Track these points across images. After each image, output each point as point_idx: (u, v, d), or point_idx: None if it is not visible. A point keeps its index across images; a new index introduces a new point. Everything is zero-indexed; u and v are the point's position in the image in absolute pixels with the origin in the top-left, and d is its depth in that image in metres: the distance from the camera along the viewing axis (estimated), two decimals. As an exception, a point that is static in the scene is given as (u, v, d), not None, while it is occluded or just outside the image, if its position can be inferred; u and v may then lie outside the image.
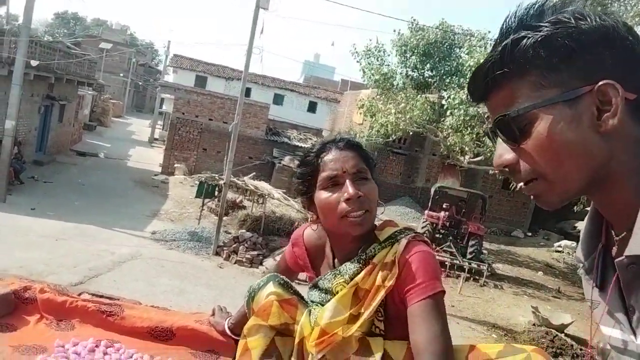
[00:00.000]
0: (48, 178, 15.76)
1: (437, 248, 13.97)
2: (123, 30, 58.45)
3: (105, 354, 1.61)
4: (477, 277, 13.22)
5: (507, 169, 0.76)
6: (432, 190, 15.40)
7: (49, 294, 1.79)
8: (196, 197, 14.55)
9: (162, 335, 1.72)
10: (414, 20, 16.68)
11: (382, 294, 1.15)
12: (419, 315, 1.10)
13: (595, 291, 0.81)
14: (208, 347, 1.72)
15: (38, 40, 15.73)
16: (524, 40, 0.70)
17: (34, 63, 12.60)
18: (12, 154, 12.78)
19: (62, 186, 15.20)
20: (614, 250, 0.76)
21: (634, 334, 0.73)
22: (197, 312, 1.88)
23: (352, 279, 1.20)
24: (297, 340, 1.24)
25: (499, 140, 0.76)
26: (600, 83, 0.68)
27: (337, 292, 1.21)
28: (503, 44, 0.71)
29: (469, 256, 13.71)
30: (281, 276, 1.36)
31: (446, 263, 13.30)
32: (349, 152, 1.23)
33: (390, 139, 16.03)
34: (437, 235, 14.34)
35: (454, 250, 13.66)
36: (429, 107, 15.08)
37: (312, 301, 1.27)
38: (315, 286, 1.29)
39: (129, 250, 10.49)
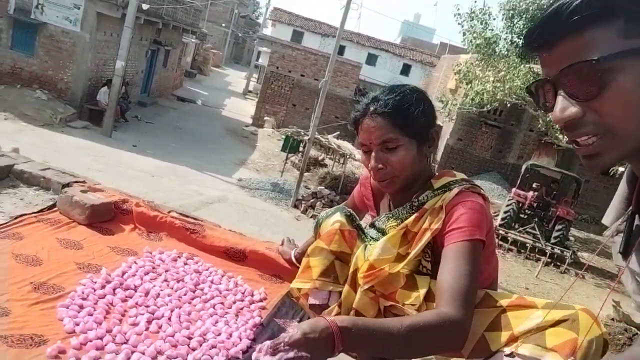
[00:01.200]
0: (150, 119, 16.95)
1: (520, 229, 13.42)
2: (228, -19, 59.72)
3: (185, 264, 1.81)
4: (558, 264, 12.58)
5: (568, 124, 0.70)
6: (523, 167, 14.63)
7: (143, 208, 2.02)
8: (281, 150, 14.99)
9: (236, 255, 1.89)
10: (527, -19, 15.46)
11: (427, 235, 1.20)
12: (450, 255, 1.13)
13: (620, 256, 0.79)
14: (274, 271, 1.87)
15: (150, -13, 16.52)
16: None
17: (145, 6, 13.34)
18: (120, 93, 13.87)
19: (161, 128, 16.31)
20: None
21: None
22: (269, 240, 2.02)
23: (403, 222, 1.27)
24: (351, 269, 1.33)
25: (562, 92, 0.70)
26: None
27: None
28: None
29: (553, 241, 13.02)
30: (348, 209, 1.45)
31: (527, 245, 12.78)
32: (378, 120, 1.25)
33: (485, 109, 15.30)
34: (522, 216, 13.72)
35: (537, 232, 13.04)
36: (532, 78, 14.12)
37: (370, 237, 1.35)
38: (372, 225, 1.38)
39: (216, 193, 11.14)
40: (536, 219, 13.43)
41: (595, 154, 0.70)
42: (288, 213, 11.67)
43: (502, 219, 13.59)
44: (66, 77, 13.56)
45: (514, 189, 14.21)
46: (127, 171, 10.83)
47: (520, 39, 15.69)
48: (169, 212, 2.05)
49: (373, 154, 1.27)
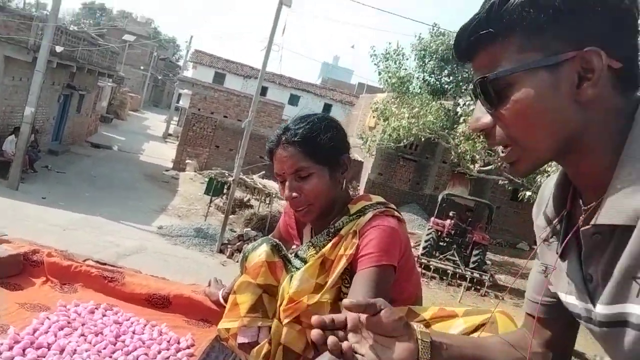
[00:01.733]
0: (61, 168, 16.00)
1: (441, 256, 13.99)
2: (147, 23, 59.10)
3: (104, 315, 1.71)
4: (478, 287, 13.19)
5: (483, 132, 0.75)
6: (440, 197, 15.40)
7: (56, 258, 1.90)
8: (205, 193, 14.69)
9: (159, 302, 1.82)
10: (435, 24, 16.69)
11: (343, 262, 1.23)
12: (357, 282, 1.16)
13: (556, 257, 0.81)
14: (202, 315, 1.81)
15: (64, 28, 15.91)
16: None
17: (58, 49, 12.75)
18: (28, 141, 13.01)
19: (74, 177, 15.44)
20: (581, 219, 0.75)
21: (592, 302, 0.73)
22: (194, 283, 1.97)
23: (320, 250, 1.29)
24: (278, 302, 1.32)
25: (479, 103, 0.74)
26: (585, 50, 0.65)
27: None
28: (490, 2, 0.69)
29: (471, 265, 13.70)
30: (274, 239, 1.44)
31: (448, 272, 13.31)
32: (290, 150, 1.28)
33: (402, 144, 16.05)
34: (442, 243, 14.34)
35: (457, 258, 13.66)
36: (443, 113, 15.09)
37: (295, 267, 1.35)
38: (296, 255, 1.38)
39: (134, 244, 10.63)
40: (455, 246, 14.10)
41: (511, 162, 0.74)
42: (213, 259, 11.35)
43: (424, 247, 14.13)
44: (-33, 126, 12.58)
45: (432, 219, 14.88)
46: (35, 225, 10.08)
47: (431, 77, 16.83)
48: (85, 260, 1.95)
49: (287, 183, 1.29)
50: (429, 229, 14.58)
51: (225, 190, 14.25)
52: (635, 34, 0.69)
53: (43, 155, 15.82)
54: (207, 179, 15.07)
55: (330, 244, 1.27)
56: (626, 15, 0.67)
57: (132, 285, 1.84)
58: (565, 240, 0.78)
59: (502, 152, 0.74)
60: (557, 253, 0.80)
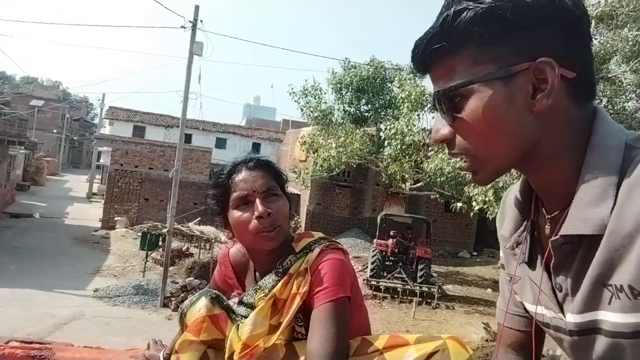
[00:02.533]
0: (-22, 244, 14.81)
1: (389, 275, 14.16)
2: (55, 86, 56.84)
3: (35, 398, 1.57)
4: (429, 300, 13.44)
5: (443, 143, 0.75)
6: (379, 219, 15.70)
7: (-27, 346, 1.73)
8: (140, 249, 14.06)
9: (96, 373, 1.70)
10: (347, 59, 17.41)
11: (297, 300, 1.20)
12: (316, 318, 1.15)
13: (521, 267, 0.81)
14: (144, 380, 1.71)
15: (-38, 101, 15.03)
16: (465, 13, 0.66)
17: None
18: None
19: (-6, 251, 14.31)
20: (547, 228, 0.75)
21: (562, 311, 0.73)
22: (132, 348, 1.86)
23: (270, 291, 1.26)
24: (227, 355, 1.26)
25: (438, 114, 0.74)
26: (538, 60, 0.65)
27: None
28: (444, 16, 0.68)
29: (419, 280, 13.95)
30: (213, 291, 1.38)
31: (398, 289, 13.48)
32: (258, 171, 1.29)
33: (334, 172, 16.34)
34: (388, 263, 14.53)
35: (404, 275, 13.88)
36: (367, 139, 15.56)
37: (241, 316, 1.30)
38: (241, 302, 1.33)
39: (70, 311, 10.00)
40: (400, 264, 14.33)
41: (470, 171, 0.74)
42: (158, 314, 10.83)
43: (371, 269, 14.26)
44: None
45: (375, 240, 15.10)
46: (-45, 310, 9.21)
47: (351, 107, 17.38)
48: (7, 342, 1.78)
49: (258, 201, 1.25)
50: (373, 251, 14.75)
51: (160, 243, 13.72)
52: (588, 43, 0.70)
53: (-46, 234, 14.57)
54: (140, 234, 14.45)
55: (280, 284, 1.25)
56: (577, 25, 0.68)
57: (64, 360, 1.71)
58: (527, 249, 0.78)
59: (464, 161, 0.74)
60: (524, 262, 0.80)
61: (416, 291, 13.31)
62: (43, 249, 15.23)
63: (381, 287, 13.57)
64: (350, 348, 1.16)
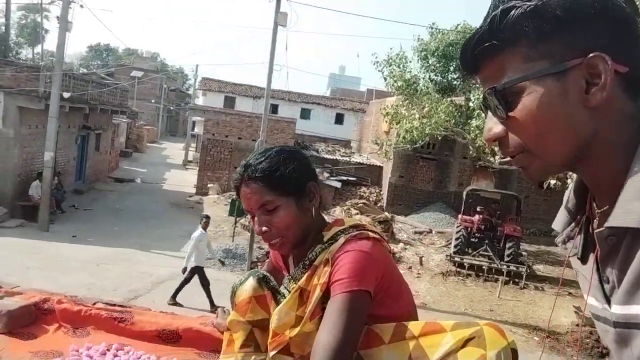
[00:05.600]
0: (87, 206, 16.37)
1: (474, 252, 13.73)
2: (154, 58, 60.23)
3: (115, 356, 1.71)
4: (516, 280, 12.89)
5: (496, 142, 0.75)
6: (465, 193, 15.17)
7: (66, 304, 1.91)
8: (229, 215, 14.78)
9: (169, 337, 1.81)
10: (434, 23, 16.69)
11: (317, 291, 1.22)
12: (328, 308, 1.15)
13: (574, 260, 0.82)
14: (212, 347, 1.80)
15: (72, 74, 16.46)
16: (513, 11, 0.67)
17: (65, 95, 13.22)
18: (52, 184, 13.38)
19: (101, 213, 15.75)
20: (596, 222, 0.76)
21: (608, 303, 0.74)
22: (203, 315, 1.96)
23: (297, 282, 1.29)
24: (270, 335, 1.31)
25: (489, 113, 0.75)
26: (590, 55, 0.66)
27: None
28: (492, 15, 0.69)
29: (506, 259, 13.37)
30: (261, 271, 1.44)
31: (483, 267, 13.05)
32: (253, 186, 1.27)
33: (418, 144, 15.92)
34: (473, 240, 14.07)
35: (491, 253, 13.38)
36: (454, 109, 14.92)
37: (284, 298, 1.34)
38: (284, 287, 1.38)
39: (167, 271, 10.76)
40: (486, 241, 13.79)
41: (523, 168, 0.75)
42: (244, 278, 11.39)
43: (455, 246, 13.90)
44: (-8, 176, 13.01)
45: (460, 216, 14.64)
46: (68, 264, 10.30)
47: (437, 76, 16.71)
48: (94, 303, 1.95)
49: (256, 218, 1.28)
50: (457, 227, 14.35)
51: (248, 210, 14.32)
52: (638, 41, 0.70)
53: (69, 195, 16.20)
54: (229, 201, 15.16)
55: (305, 276, 1.27)
56: (628, 22, 0.68)
57: (142, 324, 1.84)
58: (581, 244, 0.79)
59: (512, 158, 0.75)
60: (578, 258, 0.81)
61: (503, 270, 12.79)
62: (142, 212, 16.51)
63: (465, 264, 13.21)
64: (384, 334, 1.16)
